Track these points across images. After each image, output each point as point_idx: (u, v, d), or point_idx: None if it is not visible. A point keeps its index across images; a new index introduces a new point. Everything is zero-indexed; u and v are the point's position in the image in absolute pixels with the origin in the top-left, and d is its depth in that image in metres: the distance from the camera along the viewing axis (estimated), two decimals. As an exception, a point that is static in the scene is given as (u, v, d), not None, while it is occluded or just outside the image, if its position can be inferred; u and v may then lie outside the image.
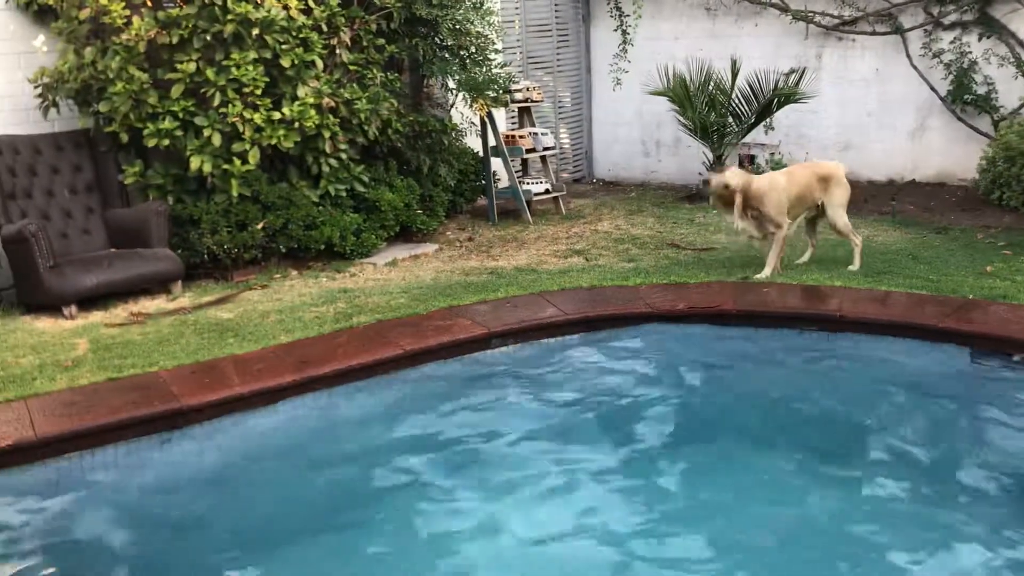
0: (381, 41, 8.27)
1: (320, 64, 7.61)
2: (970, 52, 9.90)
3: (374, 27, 8.24)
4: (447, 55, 8.83)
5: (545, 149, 9.99)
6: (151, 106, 7.07)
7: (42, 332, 6.22)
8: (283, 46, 7.33)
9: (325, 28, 7.75)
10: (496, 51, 9.27)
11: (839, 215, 6.88)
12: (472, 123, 9.58)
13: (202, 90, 7.16)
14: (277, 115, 7.29)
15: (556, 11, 11.71)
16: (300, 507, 4.35)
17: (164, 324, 6.25)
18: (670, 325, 5.99)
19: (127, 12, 7.01)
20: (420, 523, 4.23)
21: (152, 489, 4.45)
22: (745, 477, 4.52)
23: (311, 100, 7.42)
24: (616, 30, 11.47)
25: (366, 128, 7.89)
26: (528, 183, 9.84)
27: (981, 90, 9.85)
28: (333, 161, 7.77)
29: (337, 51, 7.86)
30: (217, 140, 7.13)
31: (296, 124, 7.34)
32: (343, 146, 7.79)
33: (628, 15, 11.37)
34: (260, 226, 7.41)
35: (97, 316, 6.59)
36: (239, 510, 4.36)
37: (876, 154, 10.56)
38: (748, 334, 5.91)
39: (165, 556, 4.00)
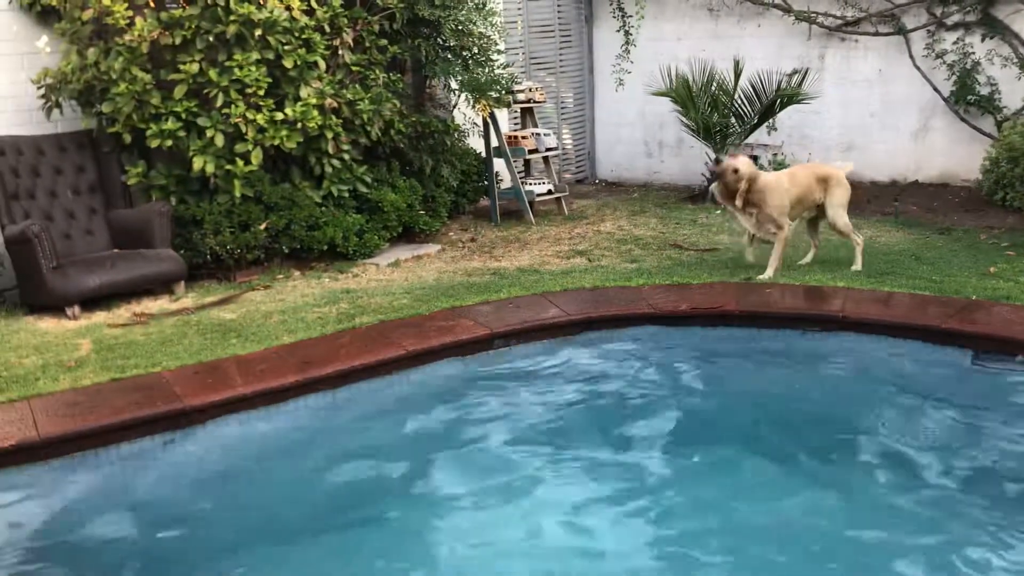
0: (384, 42, 8.28)
1: (323, 65, 7.61)
2: (973, 53, 9.89)
3: (377, 28, 8.24)
4: (450, 56, 8.84)
5: (548, 150, 9.99)
6: (154, 107, 7.07)
7: (45, 332, 6.23)
8: (286, 47, 7.34)
9: (328, 29, 7.76)
10: (499, 52, 9.27)
11: (840, 215, 6.89)
12: (475, 124, 9.59)
13: (205, 91, 7.17)
14: (280, 116, 7.29)
15: (559, 12, 11.71)
16: (302, 507, 4.35)
17: (167, 325, 6.26)
18: (672, 326, 5.99)
19: (130, 13, 7.02)
20: (421, 524, 4.23)
21: (155, 489, 4.46)
22: (746, 479, 4.52)
23: (314, 101, 7.42)
24: (619, 31, 11.47)
25: (369, 129, 7.89)
26: (530, 184, 9.84)
27: (984, 91, 9.84)
28: (336, 162, 7.77)
29: (340, 52, 7.86)
30: (220, 141, 7.13)
31: (299, 125, 7.35)
32: (346, 147, 7.79)
33: (631, 16, 11.37)
34: (263, 227, 7.42)
35: (100, 316, 6.60)
36: (241, 510, 4.36)
37: (879, 155, 10.56)
38: (751, 335, 5.90)
39: (167, 556, 4.00)
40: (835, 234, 7.15)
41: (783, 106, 9.83)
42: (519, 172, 9.81)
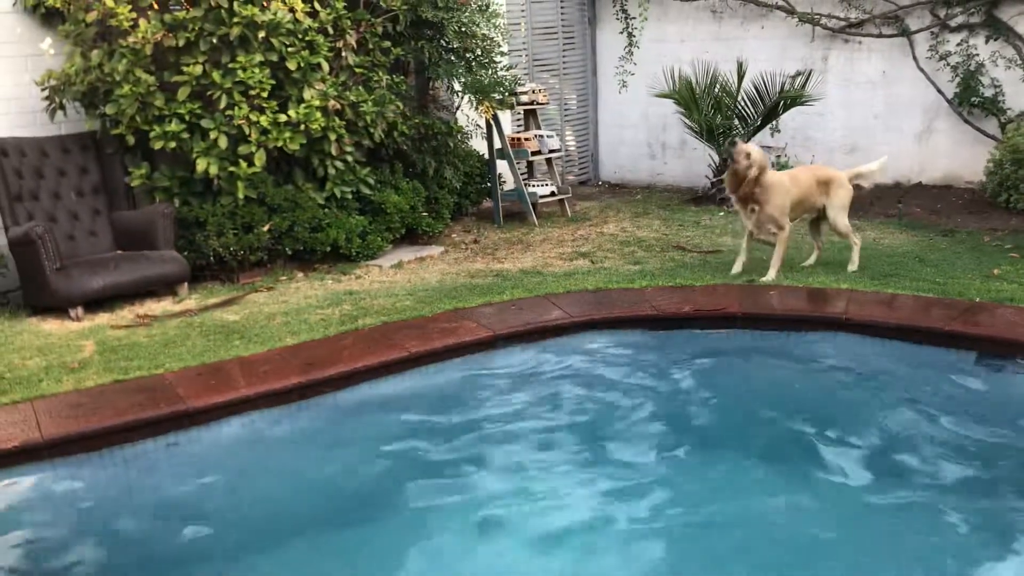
0: (387, 44, 8.29)
1: (326, 67, 7.62)
2: (977, 54, 9.88)
3: (380, 30, 8.25)
4: (453, 58, 8.85)
5: (551, 151, 9.99)
6: (157, 108, 7.08)
7: (48, 334, 6.24)
8: (289, 49, 7.34)
9: (331, 31, 7.76)
10: (502, 54, 9.28)
11: (840, 218, 6.94)
12: (478, 125, 9.59)
13: (208, 93, 7.18)
14: (283, 117, 7.30)
15: (562, 14, 11.72)
16: (304, 509, 4.35)
17: (170, 326, 6.26)
18: (675, 328, 5.98)
19: (134, 15, 7.03)
20: (423, 524, 4.22)
21: (157, 491, 4.46)
22: (747, 479, 4.51)
23: (317, 102, 7.43)
24: (622, 32, 11.47)
25: (372, 130, 7.90)
26: (534, 185, 9.84)
27: (988, 92, 9.83)
28: (339, 163, 7.78)
29: (343, 54, 7.87)
30: (223, 142, 7.14)
31: (302, 126, 7.35)
32: (349, 148, 7.80)
33: (634, 18, 11.37)
34: (266, 228, 7.43)
35: (103, 318, 6.61)
36: (243, 512, 4.36)
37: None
38: (754, 336, 5.89)
39: (169, 557, 4.00)
40: (836, 236, 7.20)
41: (786, 108, 9.83)
42: (522, 174, 9.81)
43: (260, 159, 7.25)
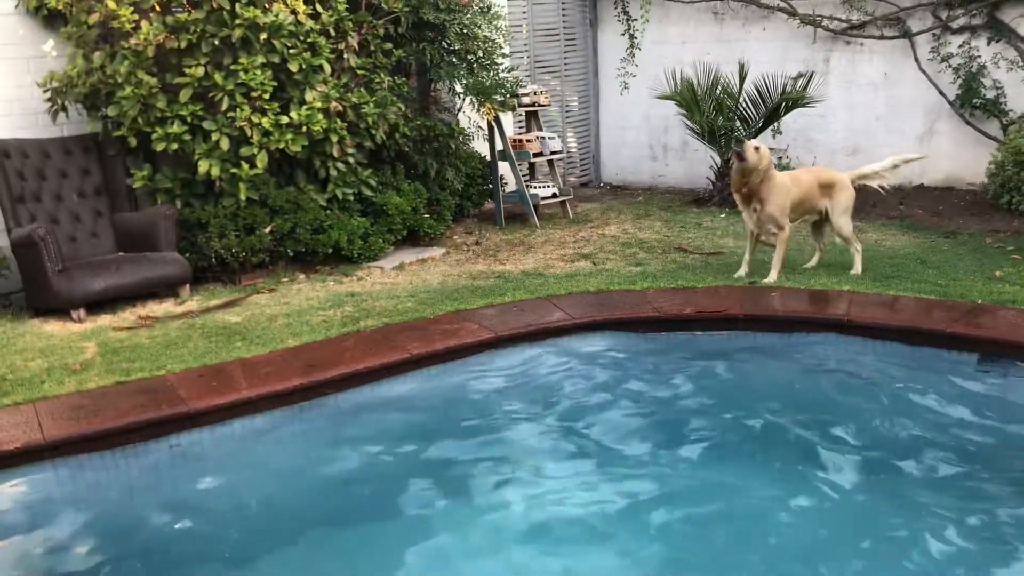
0: (389, 45, 8.30)
1: (328, 68, 7.62)
2: (979, 56, 9.88)
3: (382, 31, 8.26)
4: (454, 59, 8.85)
5: (552, 153, 9.99)
6: (159, 110, 7.09)
7: (50, 335, 6.24)
8: (291, 50, 7.35)
9: (333, 33, 7.77)
10: (503, 55, 9.28)
11: (843, 221, 6.92)
12: (479, 127, 9.60)
13: (210, 94, 7.18)
14: (285, 119, 7.30)
15: (563, 15, 11.72)
16: (305, 510, 4.35)
17: (172, 328, 6.27)
18: (677, 330, 5.98)
19: (136, 17, 7.04)
20: (423, 525, 4.22)
21: (158, 492, 4.46)
22: (748, 480, 4.51)
23: (319, 104, 7.43)
24: (623, 34, 11.48)
25: (373, 132, 7.90)
26: (535, 187, 9.84)
27: (990, 94, 9.84)
28: (341, 165, 7.79)
29: (345, 55, 7.88)
30: (225, 144, 7.15)
31: (304, 128, 7.36)
32: (350, 150, 7.80)
33: (635, 19, 11.38)
34: (268, 230, 7.43)
35: (105, 320, 6.62)
36: (244, 513, 4.37)
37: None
38: (756, 338, 5.89)
39: (170, 557, 4.01)
40: (838, 239, 7.18)
41: (788, 109, 9.83)
42: (523, 175, 9.82)
43: (262, 161, 7.26)
